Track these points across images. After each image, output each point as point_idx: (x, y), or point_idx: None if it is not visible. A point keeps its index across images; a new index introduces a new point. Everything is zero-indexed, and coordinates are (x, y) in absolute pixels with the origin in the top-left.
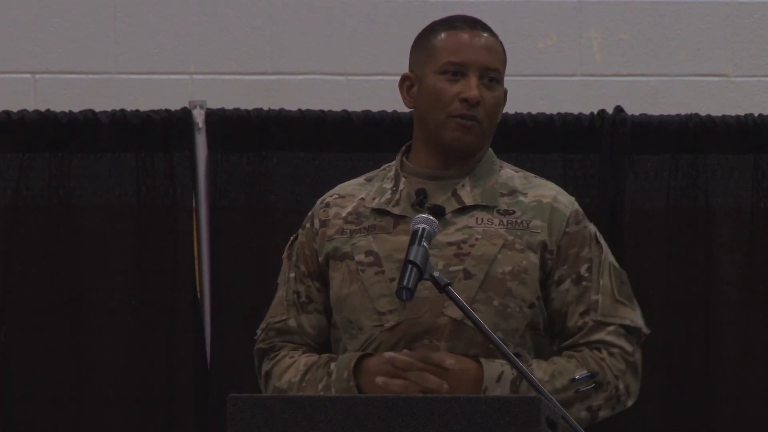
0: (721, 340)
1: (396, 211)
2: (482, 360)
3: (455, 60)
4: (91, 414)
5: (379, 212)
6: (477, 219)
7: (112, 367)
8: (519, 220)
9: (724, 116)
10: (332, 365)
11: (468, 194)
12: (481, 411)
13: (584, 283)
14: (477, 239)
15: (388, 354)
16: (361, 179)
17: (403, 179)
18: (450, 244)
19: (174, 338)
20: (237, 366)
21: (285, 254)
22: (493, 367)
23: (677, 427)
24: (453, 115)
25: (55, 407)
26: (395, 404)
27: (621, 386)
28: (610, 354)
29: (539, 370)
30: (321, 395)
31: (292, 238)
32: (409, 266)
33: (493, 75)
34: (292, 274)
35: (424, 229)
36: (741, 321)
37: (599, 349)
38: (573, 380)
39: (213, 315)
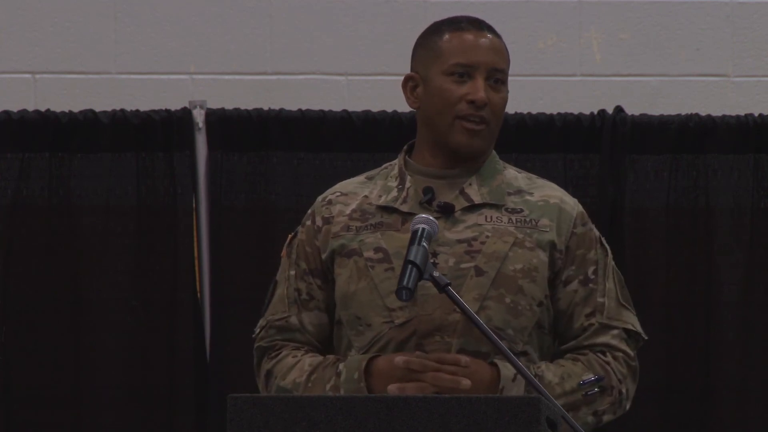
0: (721, 340)
1: (404, 208)
2: (497, 361)
3: (462, 61)
4: (91, 414)
5: (387, 209)
6: (486, 217)
7: (112, 367)
8: (527, 219)
9: (724, 116)
10: (341, 366)
11: (476, 192)
12: (481, 411)
13: (591, 285)
14: (487, 237)
15: (401, 357)
16: (361, 177)
17: (408, 177)
18: (460, 241)
19: (174, 338)
20: (237, 366)
21: (284, 252)
22: (509, 367)
23: (677, 427)
24: (460, 117)
25: (55, 407)
26: (395, 404)
27: (623, 390)
28: (614, 358)
29: (549, 373)
30: (320, 395)
31: (290, 235)
32: (409, 266)
33: (499, 76)
34: (293, 272)
35: (424, 229)
36: (741, 321)
37: (603, 353)
38: (581, 384)
39: (213, 315)
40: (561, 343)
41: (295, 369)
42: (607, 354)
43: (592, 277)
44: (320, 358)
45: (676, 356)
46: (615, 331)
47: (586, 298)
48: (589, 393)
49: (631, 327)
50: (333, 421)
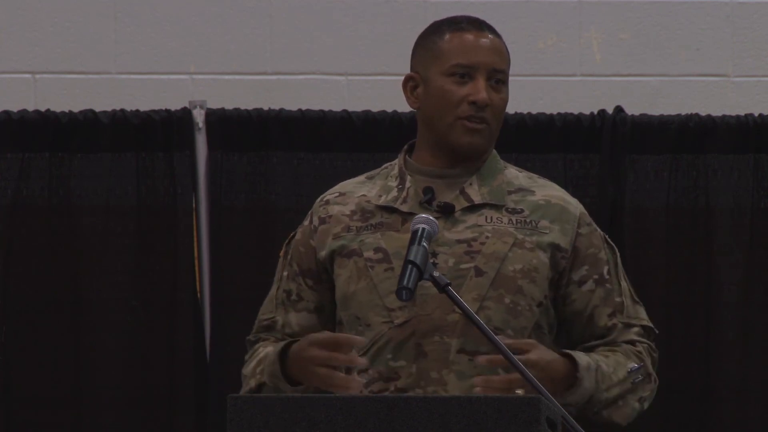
0: (721, 340)
1: (404, 208)
2: (567, 351)
3: (463, 62)
4: (91, 414)
5: (387, 209)
6: (486, 217)
7: (112, 367)
8: (527, 220)
9: (724, 116)
10: (270, 348)
11: (476, 192)
12: (481, 411)
13: (607, 285)
14: (487, 237)
15: (484, 357)
16: (361, 178)
17: (408, 177)
18: (460, 241)
19: (174, 338)
20: (237, 366)
21: (282, 252)
22: (582, 357)
23: (677, 427)
24: (461, 118)
25: (55, 407)
26: (395, 404)
27: (655, 377)
28: (643, 349)
29: (603, 364)
30: (321, 395)
31: (290, 236)
32: (409, 266)
33: (499, 76)
34: (285, 273)
35: (424, 229)
36: (741, 321)
37: (633, 343)
38: (629, 372)
39: (213, 315)
40: (580, 343)
41: (255, 358)
42: (637, 344)
43: (607, 276)
44: (280, 344)
45: (676, 356)
46: (635, 329)
47: (605, 299)
48: (635, 381)
49: (646, 323)
50: (333, 421)
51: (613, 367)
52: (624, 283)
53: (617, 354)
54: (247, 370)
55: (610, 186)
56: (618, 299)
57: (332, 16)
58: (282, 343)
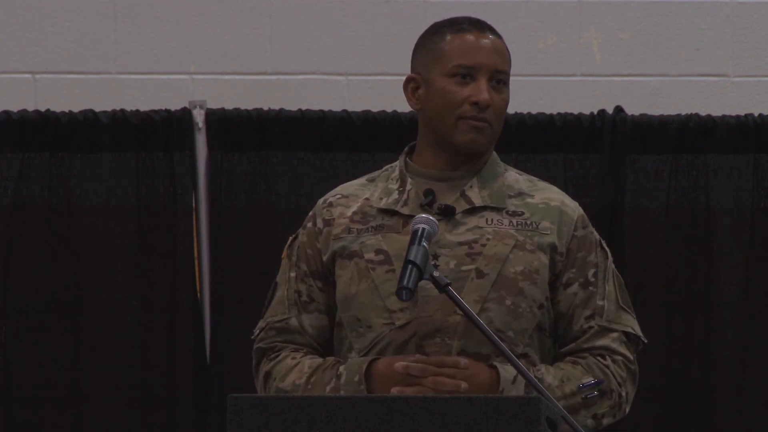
0: (721, 341)
1: (405, 210)
2: (496, 363)
3: (465, 63)
4: (91, 414)
5: (387, 212)
6: (487, 219)
7: (112, 367)
8: (528, 221)
9: (724, 116)
10: (341, 368)
11: (477, 195)
12: (481, 411)
13: (591, 287)
14: (488, 239)
15: (401, 363)
16: (362, 180)
17: (409, 180)
18: (461, 243)
19: (174, 338)
20: (237, 366)
21: (284, 254)
22: (509, 369)
23: (677, 427)
24: (463, 118)
25: (55, 407)
26: (395, 404)
27: (623, 394)
28: (614, 361)
29: (549, 375)
30: (320, 395)
31: (291, 237)
32: (409, 266)
33: (501, 77)
34: (293, 274)
35: (424, 229)
36: (741, 321)
37: (603, 356)
38: (580, 387)
39: (213, 315)
40: (560, 346)
41: (294, 371)
42: (607, 357)
43: (592, 279)
44: (320, 360)
45: (676, 356)
46: (614, 334)
47: (585, 301)
48: (588, 396)
49: (630, 330)
50: (333, 421)
51: (560, 380)
52: (611, 288)
53: (577, 367)
54: (286, 383)
55: (610, 186)
56: (600, 302)
57: (332, 16)
58: (365, 362)
